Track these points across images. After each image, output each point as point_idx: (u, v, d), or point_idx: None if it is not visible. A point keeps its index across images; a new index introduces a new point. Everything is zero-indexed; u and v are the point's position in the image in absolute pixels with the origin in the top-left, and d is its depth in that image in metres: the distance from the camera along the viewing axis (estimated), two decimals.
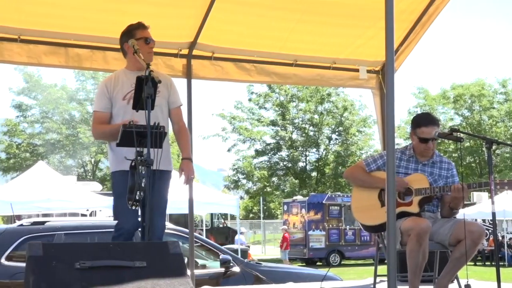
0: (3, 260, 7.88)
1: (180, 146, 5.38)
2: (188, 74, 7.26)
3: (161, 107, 5.14)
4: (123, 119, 5.09)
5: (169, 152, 5.30)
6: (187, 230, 8.25)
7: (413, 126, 5.61)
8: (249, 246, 27.07)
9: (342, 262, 28.85)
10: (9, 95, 40.64)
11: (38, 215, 18.25)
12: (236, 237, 25.88)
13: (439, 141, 6.06)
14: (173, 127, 5.40)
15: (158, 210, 4.84)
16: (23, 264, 3.93)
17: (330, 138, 41.08)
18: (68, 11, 6.46)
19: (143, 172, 4.46)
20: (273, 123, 40.16)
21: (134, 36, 5.20)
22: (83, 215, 21.29)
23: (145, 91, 4.54)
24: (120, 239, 5.02)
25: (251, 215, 56.29)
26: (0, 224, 34.06)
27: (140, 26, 5.25)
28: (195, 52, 7.24)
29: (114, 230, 5.13)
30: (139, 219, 5.12)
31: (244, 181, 41.55)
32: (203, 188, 22.41)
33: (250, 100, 40.21)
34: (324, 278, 7.09)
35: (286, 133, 39.93)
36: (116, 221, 5.17)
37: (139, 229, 4.93)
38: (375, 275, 5.88)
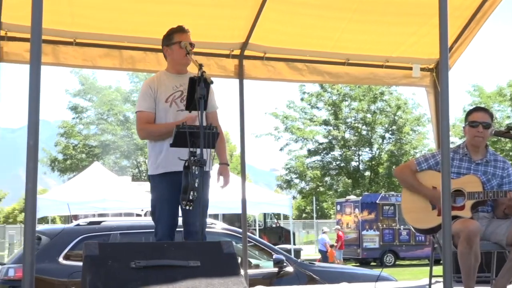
0: (60, 259, 8.02)
1: (217, 151, 5.35)
2: (240, 74, 7.29)
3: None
4: (165, 121, 5.19)
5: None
6: (240, 230, 8.28)
7: (465, 119, 5.53)
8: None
9: (397, 263, 28.52)
10: (66, 97, 41.32)
11: (94, 215, 18.58)
12: (319, 236, 25.84)
13: (494, 139, 5.95)
14: None
15: (200, 209, 4.86)
16: (80, 263, 4.00)
17: (383, 137, 40.68)
18: (122, 14, 6.55)
19: (196, 173, 4.50)
20: (326, 122, 39.97)
21: (172, 39, 5.27)
22: (138, 215, 21.55)
23: (197, 91, 4.57)
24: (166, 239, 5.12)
25: (304, 215, 56.14)
26: (57, 224, 34.77)
27: (178, 30, 5.28)
28: (247, 52, 7.26)
29: (154, 235, 5.25)
30: (176, 219, 5.24)
31: (296, 181, 41.46)
32: (256, 188, 22.47)
33: (302, 99, 40.11)
34: (378, 278, 7.03)
35: (339, 132, 39.69)
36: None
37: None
38: (431, 276, 5.79)
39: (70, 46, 6.68)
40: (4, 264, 8.53)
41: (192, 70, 5.13)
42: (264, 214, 34.75)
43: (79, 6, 6.37)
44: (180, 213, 5.22)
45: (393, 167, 37.11)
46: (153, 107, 5.25)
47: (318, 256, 26.80)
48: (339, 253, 26.71)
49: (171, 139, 4.83)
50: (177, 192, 4.98)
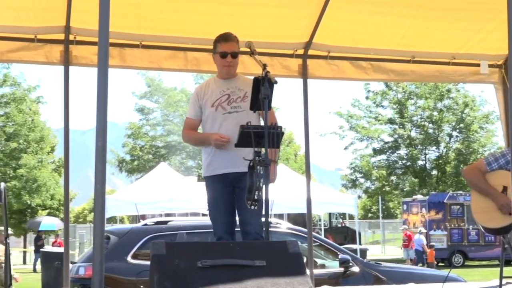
0: (129, 258, 8.16)
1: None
2: (304, 74, 7.27)
3: (247, 111, 5.15)
4: (211, 125, 5.31)
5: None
6: (305, 230, 8.25)
7: None
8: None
9: (466, 263, 27.96)
10: (132, 99, 42.10)
11: (161, 215, 18.84)
12: (416, 236, 25.62)
13: None
14: None
15: (257, 209, 4.87)
16: (148, 262, 4.06)
17: (450, 136, 39.90)
18: (186, 16, 6.62)
19: (261, 172, 4.51)
20: (391, 121, 39.45)
21: (215, 48, 5.38)
22: (203, 214, 21.71)
23: (262, 91, 4.58)
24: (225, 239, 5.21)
25: (369, 214, 55.60)
26: (125, 223, 35.39)
27: (221, 39, 5.35)
28: (310, 52, 7.24)
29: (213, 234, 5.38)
30: (232, 219, 5.28)
31: (362, 180, 41.08)
32: (320, 188, 22.39)
33: (367, 98, 39.71)
34: (446, 279, 6.90)
35: (405, 131, 39.12)
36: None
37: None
38: (501, 277, 5.66)
39: (136, 48, 6.80)
40: (75, 263, 8.73)
41: (255, 70, 5.14)
42: (330, 214, 34.60)
43: (145, 9, 6.47)
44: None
45: (461, 166, 36.41)
46: (198, 114, 5.43)
47: (384, 256, 26.53)
48: (411, 252, 26.32)
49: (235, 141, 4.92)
50: (230, 192, 5.19)
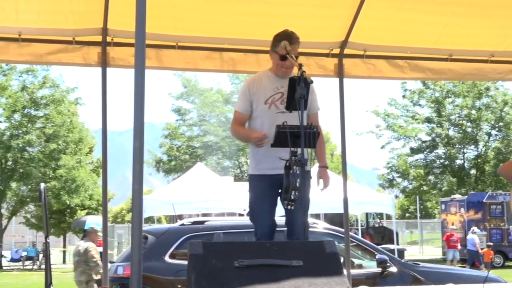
0: (166, 258, 8.22)
1: (317, 152, 5.32)
2: (340, 73, 7.24)
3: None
4: (262, 123, 5.23)
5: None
6: (342, 230, 8.22)
7: None
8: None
9: (506, 264, 27.55)
10: (169, 100, 42.38)
11: (198, 215, 18.93)
12: (469, 236, 25.43)
13: None
14: None
15: (302, 209, 4.86)
16: (185, 262, 4.08)
17: (489, 134, 39.37)
18: (222, 16, 6.64)
19: (298, 172, 4.50)
20: (429, 120, 39.08)
21: (275, 47, 5.24)
22: (240, 214, 21.77)
23: (298, 91, 4.58)
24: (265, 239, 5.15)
25: (407, 214, 55.14)
26: (163, 223, 35.63)
27: (286, 38, 5.19)
28: (346, 51, 7.20)
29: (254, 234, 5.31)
30: (274, 219, 5.26)
31: (399, 180, 40.77)
32: (357, 187, 22.27)
33: (404, 97, 39.41)
34: (486, 280, 6.82)
35: (442, 130, 38.71)
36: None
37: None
38: None
39: (173, 49, 6.83)
40: (113, 262, 8.82)
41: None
42: (367, 214, 34.42)
43: (181, 10, 6.51)
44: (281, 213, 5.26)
45: (501, 165, 35.85)
46: (248, 109, 5.32)
47: (422, 256, 26.26)
48: (455, 253, 26.04)
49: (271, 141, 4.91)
50: (275, 193, 5.11)
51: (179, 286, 7.83)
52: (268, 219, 5.26)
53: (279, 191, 5.10)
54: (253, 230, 5.40)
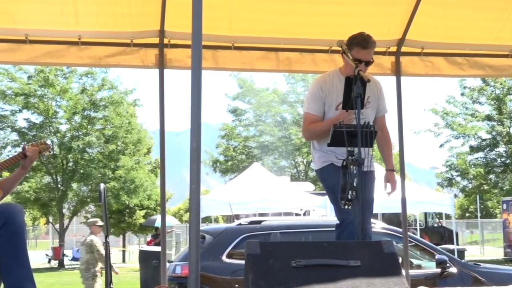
0: (224, 257, 8.27)
1: (384, 155, 5.30)
2: (397, 71, 7.16)
3: (369, 117, 5.07)
4: None
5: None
6: (400, 230, 8.14)
7: None
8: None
9: None
10: (225, 101, 42.49)
11: (254, 215, 18.98)
12: None
13: None
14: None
15: (369, 210, 4.83)
16: (242, 262, 4.10)
17: None
18: (278, 16, 6.64)
19: (355, 172, 4.47)
20: (489, 117, 38.26)
21: (350, 50, 5.12)
22: (297, 214, 21.76)
23: (354, 90, 4.55)
24: (348, 229, 4.90)
25: (467, 214, 54.17)
26: (220, 223, 35.84)
27: (359, 43, 5.11)
28: (403, 49, 7.12)
29: (339, 224, 5.06)
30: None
31: (458, 179, 40.05)
32: (415, 187, 21.98)
33: (463, 94, 38.67)
34: None
35: (503, 128, 37.88)
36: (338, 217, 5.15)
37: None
38: None
39: (229, 50, 6.87)
40: (172, 262, 8.92)
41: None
42: (425, 214, 33.91)
43: (237, 10, 6.54)
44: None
45: None
46: (321, 110, 5.24)
47: (483, 257, 25.74)
48: None
49: (340, 148, 4.85)
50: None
51: (236, 285, 7.87)
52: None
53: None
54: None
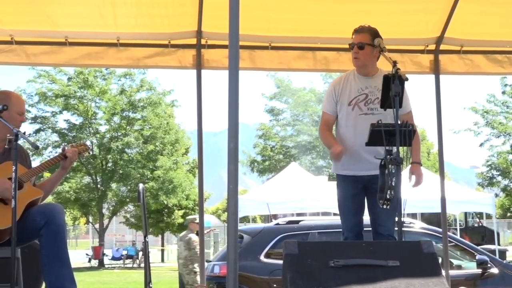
0: (262, 257, 8.28)
1: (411, 150, 5.26)
2: (436, 70, 7.09)
3: (383, 114, 5.06)
4: (346, 124, 5.24)
5: None
6: (440, 230, 8.05)
7: None
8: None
9: None
10: (262, 101, 42.51)
11: (292, 215, 18.97)
12: None
13: None
14: None
15: (393, 208, 4.78)
16: (280, 261, 4.10)
17: None
18: (315, 15, 6.62)
19: (393, 171, 4.44)
20: None
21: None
22: (335, 214, 21.63)
23: (392, 89, 4.52)
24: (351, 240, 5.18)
25: (508, 214, 53.39)
26: (258, 223, 35.88)
27: (353, 31, 5.30)
28: (442, 47, 7.05)
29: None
30: (359, 218, 5.26)
31: (499, 178, 39.48)
32: (455, 186, 21.73)
33: (504, 92, 38.12)
34: None
35: None
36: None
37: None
38: None
39: (266, 50, 6.88)
40: (210, 261, 8.96)
41: (385, 68, 5.06)
42: (465, 213, 33.55)
43: (273, 11, 6.54)
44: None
45: None
46: (334, 110, 5.34)
47: None
48: None
49: (356, 142, 5.04)
50: (360, 192, 5.17)
51: (275, 285, 7.87)
52: (353, 218, 5.27)
53: (366, 190, 5.19)
54: None
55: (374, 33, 5.19)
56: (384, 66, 5.25)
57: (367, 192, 5.20)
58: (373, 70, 5.30)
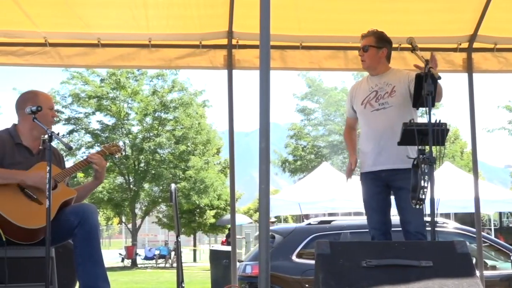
0: (293, 257, 8.27)
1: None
2: (469, 68, 7.02)
3: (395, 106, 5.22)
4: (362, 123, 5.46)
5: None
6: (474, 230, 7.96)
7: None
8: None
9: None
10: (294, 100, 42.55)
11: (324, 214, 18.91)
12: None
13: None
14: None
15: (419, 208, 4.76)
16: (312, 262, 4.09)
17: None
18: (346, 15, 6.60)
19: (426, 171, 4.41)
20: None
21: None
22: None
23: (425, 88, 4.49)
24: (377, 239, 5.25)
25: None
26: (289, 223, 35.85)
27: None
28: (475, 44, 6.98)
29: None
30: (385, 217, 5.30)
31: None
32: (489, 186, 21.45)
33: None
34: None
35: None
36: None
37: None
38: None
39: (297, 50, 6.88)
40: (242, 261, 8.97)
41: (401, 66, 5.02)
42: (500, 213, 33.12)
43: (304, 10, 6.53)
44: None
45: None
46: (352, 112, 5.62)
47: None
48: None
49: (370, 141, 5.24)
50: (381, 191, 5.28)
51: (307, 285, 7.85)
52: (375, 215, 5.34)
53: (389, 188, 5.28)
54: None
55: (378, 36, 5.42)
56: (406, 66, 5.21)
57: (391, 190, 5.25)
58: (382, 70, 5.46)
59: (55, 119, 4.77)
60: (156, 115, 36.23)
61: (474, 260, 6.09)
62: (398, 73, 5.37)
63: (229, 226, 31.09)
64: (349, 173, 5.56)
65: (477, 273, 4.83)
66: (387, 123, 5.19)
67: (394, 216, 5.31)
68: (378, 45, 5.38)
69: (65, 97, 35.58)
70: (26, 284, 4.45)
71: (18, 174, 4.42)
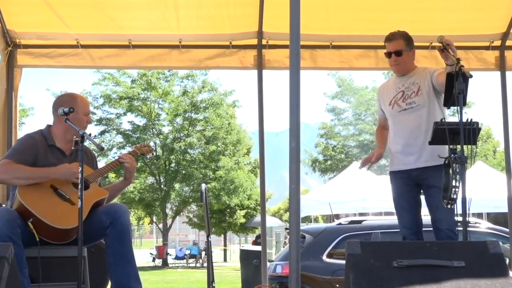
0: (324, 257, 8.25)
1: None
2: (501, 66, 6.95)
3: (422, 105, 5.22)
4: (391, 124, 5.44)
5: None
6: (507, 230, 7.87)
7: None
8: None
9: None
10: (324, 100, 42.31)
11: (355, 214, 18.82)
12: None
13: None
14: None
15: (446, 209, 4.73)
16: (343, 262, 4.08)
17: None
18: (376, 14, 6.57)
19: (457, 170, 4.37)
20: None
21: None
22: None
23: (455, 87, 4.45)
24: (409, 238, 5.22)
25: None
26: (320, 223, 35.76)
27: (385, 40, 5.43)
28: (508, 42, 6.90)
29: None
30: (415, 217, 5.28)
31: None
32: None
33: None
34: None
35: None
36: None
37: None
38: None
39: (327, 49, 6.86)
40: (272, 261, 8.98)
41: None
42: None
43: (334, 9, 6.52)
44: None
45: None
46: (381, 113, 5.62)
47: None
48: None
49: (399, 140, 5.25)
50: (411, 190, 5.26)
51: (337, 285, 7.83)
52: (405, 215, 5.32)
53: (419, 186, 5.25)
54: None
55: (407, 37, 5.36)
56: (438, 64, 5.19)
57: (422, 189, 5.25)
58: (410, 69, 5.42)
59: (88, 123, 4.82)
60: (186, 115, 36.40)
61: (507, 261, 6.03)
62: (422, 72, 5.35)
63: (259, 227, 31.16)
64: (364, 162, 5.64)
65: (511, 273, 4.77)
66: (415, 122, 5.18)
67: (426, 216, 5.27)
68: (410, 47, 5.35)
69: (97, 98, 35.93)
70: (59, 283, 4.50)
71: (45, 170, 4.46)
